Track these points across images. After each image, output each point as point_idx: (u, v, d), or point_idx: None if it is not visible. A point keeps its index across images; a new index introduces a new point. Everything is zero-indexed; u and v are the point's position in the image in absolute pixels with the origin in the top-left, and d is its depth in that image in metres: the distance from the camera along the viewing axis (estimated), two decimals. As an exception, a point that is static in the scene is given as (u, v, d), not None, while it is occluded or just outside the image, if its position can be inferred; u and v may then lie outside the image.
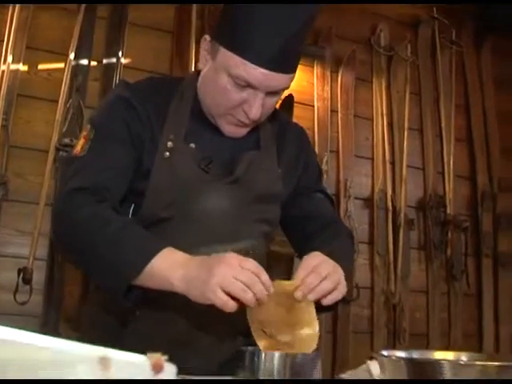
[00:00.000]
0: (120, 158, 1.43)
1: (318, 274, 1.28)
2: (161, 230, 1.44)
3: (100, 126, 1.45)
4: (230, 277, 1.19)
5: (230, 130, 1.49)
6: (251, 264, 1.22)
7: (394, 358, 1.00)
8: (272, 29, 1.34)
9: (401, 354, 1.06)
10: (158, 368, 0.33)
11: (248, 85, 1.38)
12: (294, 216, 1.64)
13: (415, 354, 1.07)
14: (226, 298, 1.19)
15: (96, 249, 1.31)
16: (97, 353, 0.31)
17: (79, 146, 1.44)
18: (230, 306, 1.19)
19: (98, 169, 1.40)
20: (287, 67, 1.40)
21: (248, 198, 1.50)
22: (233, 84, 1.39)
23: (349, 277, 1.45)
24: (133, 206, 1.46)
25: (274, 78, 1.37)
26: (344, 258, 1.46)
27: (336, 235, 1.59)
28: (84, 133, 1.46)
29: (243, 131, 1.50)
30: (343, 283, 1.34)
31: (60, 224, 1.38)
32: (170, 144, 1.45)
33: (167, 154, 1.44)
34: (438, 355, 1.11)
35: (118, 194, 1.42)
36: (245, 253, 1.45)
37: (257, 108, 1.41)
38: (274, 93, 1.43)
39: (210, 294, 1.20)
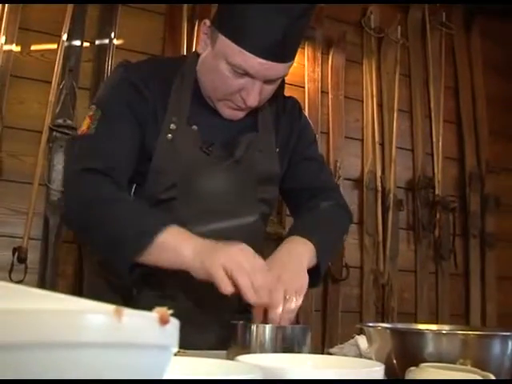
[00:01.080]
0: (127, 138, 1.46)
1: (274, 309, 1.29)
2: (162, 210, 1.47)
3: (106, 107, 1.47)
4: (236, 260, 1.23)
5: (228, 113, 1.52)
6: (261, 262, 1.26)
7: (379, 328, 1.04)
8: (271, 19, 1.36)
9: (386, 325, 1.10)
10: (164, 320, 0.37)
11: (246, 73, 1.40)
12: (291, 188, 1.68)
13: (399, 326, 1.12)
14: (226, 278, 1.23)
15: (106, 225, 1.35)
16: (109, 306, 0.35)
17: (85, 125, 1.46)
18: (228, 287, 1.23)
19: (107, 149, 1.43)
20: (285, 56, 1.41)
21: (247, 178, 1.54)
22: (231, 71, 1.41)
23: (327, 248, 1.51)
24: (134, 186, 1.49)
25: (272, 68, 1.39)
26: (318, 231, 1.51)
27: (321, 210, 1.61)
28: (90, 113, 1.48)
29: (241, 114, 1.53)
30: (301, 293, 1.35)
31: (72, 203, 1.43)
32: (172, 126, 1.48)
33: (170, 136, 1.47)
34: (422, 327, 1.15)
35: (126, 174, 1.46)
36: (246, 228, 1.51)
37: (254, 95, 1.43)
38: (272, 80, 1.45)
39: (213, 270, 1.23)
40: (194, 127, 1.50)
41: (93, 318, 0.34)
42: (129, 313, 0.35)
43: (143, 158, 1.47)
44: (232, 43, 1.38)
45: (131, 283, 1.42)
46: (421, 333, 0.99)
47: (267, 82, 1.44)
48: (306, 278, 1.38)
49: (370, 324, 1.06)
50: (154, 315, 0.38)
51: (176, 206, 1.47)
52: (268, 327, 1.23)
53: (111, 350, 0.35)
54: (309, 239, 1.45)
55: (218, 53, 1.42)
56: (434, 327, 1.14)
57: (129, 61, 1.61)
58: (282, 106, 1.68)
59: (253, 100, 1.44)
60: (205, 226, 1.46)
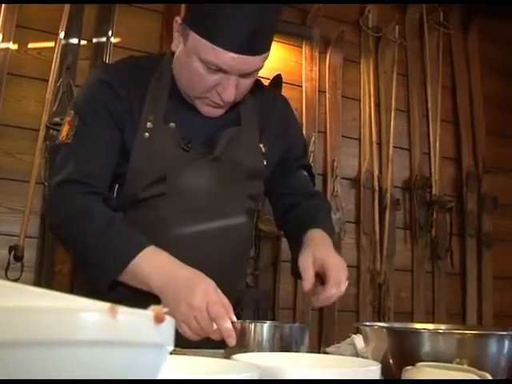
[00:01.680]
0: (105, 143, 1.45)
1: (337, 286, 1.39)
2: (144, 209, 1.47)
3: (83, 112, 1.47)
4: (191, 318, 1.23)
5: (207, 110, 1.50)
6: (217, 309, 1.23)
7: (376, 327, 1.04)
8: (240, 12, 1.34)
9: (383, 324, 1.10)
10: (159, 319, 0.37)
11: (219, 69, 1.38)
12: (278, 192, 1.70)
13: (397, 325, 1.12)
14: (186, 330, 1.24)
15: (81, 245, 1.38)
16: (104, 304, 0.35)
17: (64, 132, 1.46)
18: (190, 336, 1.25)
19: (85, 157, 1.43)
20: (258, 49, 1.39)
21: (230, 174, 1.52)
22: (205, 68, 1.39)
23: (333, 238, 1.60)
24: (117, 186, 1.49)
25: (245, 62, 1.38)
26: (329, 224, 1.64)
27: (317, 207, 1.68)
28: (68, 118, 1.48)
29: (220, 111, 1.51)
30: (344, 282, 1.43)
31: (52, 217, 1.46)
32: (149, 124, 1.46)
33: (147, 134, 1.46)
34: (418, 326, 1.15)
35: (106, 180, 1.46)
36: (231, 229, 1.51)
37: (230, 90, 1.41)
38: (248, 74, 1.43)
39: (176, 321, 1.26)
40: (172, 124, 1.48)
41: (87, 316, 0.33)
42: (123, 311, 0.35)
43: (123, 159, 1.47)
44: (203, 40, 1.36)
45: (114, 298, 1.44)
46: (417, 332, 0.99)
47: (243, 75, 1.42)
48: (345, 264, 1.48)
49: (367, 323, 1.06)
50: (149, 313, 0.37)
51: (157, 204, 1.46)
52: (266, 326, 1.23)
53: (106, 348, 0.35)
54: (326, 232, 1.53)
55: (190, 50, 1.40)
56: (430, 326, 1.14)
57: (105, 62, 1.61)
58: (265, 100, 1.66)
59: (229, 95, 1.42)
60: (188, 226, 1.46)
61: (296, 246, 1.53)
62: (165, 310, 0.38)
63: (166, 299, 1.28)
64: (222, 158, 1.51)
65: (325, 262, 1.39)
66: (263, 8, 1.36)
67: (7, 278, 2.38)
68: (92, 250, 1.36)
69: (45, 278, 2.46)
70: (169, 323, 0.39)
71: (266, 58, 1.46)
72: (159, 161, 1.46)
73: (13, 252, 2.40)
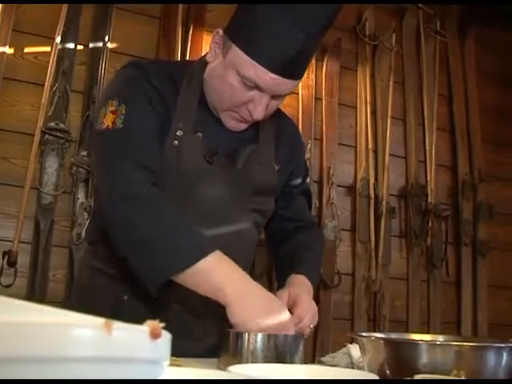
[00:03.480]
0: (156, 133, 1.44)
1: (298, 322, 1.39)
2: None
3: (129, 101, 1.43)
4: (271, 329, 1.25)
5: (231, 124, 1.51)
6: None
7: (373, 338, 1.03)
8: (287, 34, 1.34)
9: (380, 335, 1.09)
10: (155, 334, 0.36)
11: (255, 86, 1.39)
12: (280, 214, 1.71)
13: (393, 336, 1.11)
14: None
15: (147, 236, 1.33)
16: (99, 318, 0.34)
17: (109, 120, 1.41)
18: None
19: (144, 144, 1.41)
20: (297, 74, 1.42)
21: (245, 188, 1.54)
22: (241, 83, 1.40)
23: (317, 281, 1.68)
24: None
25: (282, 83, 1.39)
26: (314, 270, 1.64)
27: (309, 245, 1.69)
28: (111, 108, 1.43)
29: (244, 126, 1.52)
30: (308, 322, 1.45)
31: (119, 202, 1.37)
32: (179, 132, 1.46)
33: (176, 142, 1.46)
34: (416, 337, 1.14)
35: (158, 169, 1.43)
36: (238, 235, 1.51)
37: (261, 109, 1.43)
38: (279, 96, 1.45)
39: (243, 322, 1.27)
40: (199, 135, 1.49)
41: (82, 332, 0.32)
42: (118, 326, 0.34)
43: None
44: (245, 55, 1.36)
45: (111, 304, 1.43)
46: (415, 343, 0.98)
47: (274, 96, 1.43)
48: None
49: (364, 334, 1.05)
50: (144, 329, 0.36)
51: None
52: (260, 335, 1.22)
53: (101, 365, 0.34)
54: (308, 278, 1.54)
55: (230, 63, 1.40)
56: (427, 337, 1.13)
57: (135, 60, 1.60)
58: (283, 123, 1.69)
59: (259, 113, 1.43)
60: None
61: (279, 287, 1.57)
62: (161, 324, 0.37)
63: (241, 309, 1.28)
64: (241, 172, 1.53)
65: (297, 301, 1.42)
66: (312, 34, 1.36)
67: (0, 284, 2.36)
68: (159, 242, 1.31)
69: (38, 284, 2.44)
70: (165, 338, 0.38)
71: (298, 83, 1.48)
72: (183, 170, 1.46)
73: (6, 257, 2.38)
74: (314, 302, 1.50)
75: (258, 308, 1.28)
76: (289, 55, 1.35)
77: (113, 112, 1.42)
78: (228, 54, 1.41)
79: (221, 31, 1.45)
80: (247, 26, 1.38)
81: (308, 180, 1.82)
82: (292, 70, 1.38)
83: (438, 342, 1.02)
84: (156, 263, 1.31)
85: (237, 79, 1.40)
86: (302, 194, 1.75)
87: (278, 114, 1.66)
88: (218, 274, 1.29)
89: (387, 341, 1.01)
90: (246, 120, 1.49)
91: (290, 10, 1.34)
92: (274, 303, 1.32)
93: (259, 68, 1.35)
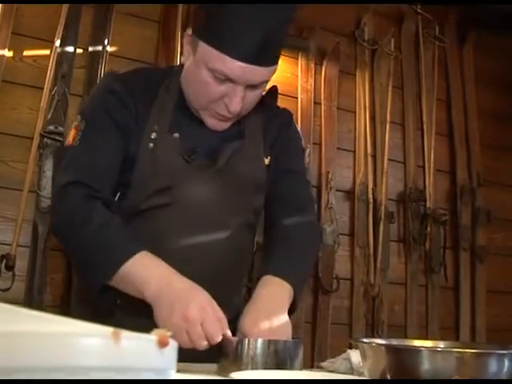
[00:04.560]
0: (110, 149, 1.46)
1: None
2: (145, 219, 1.46)
3: (90, 118, 1.48)
4: (183, 331, 1.22)
5: (212, 123, 1.50)
6: (212, 326, 1.23)
7: (374, 344, 1.03)
8: (250, 22, 1.34)
9: (381, 341, 1.09)
10: (163, 343, 0.36)
11: (227, 78, 1.38)
12: (267, 198, 1.63)
13: (394, 342, 1.11)
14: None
15: (77, 246, 1.39)
16: (107, 328, 0.34)
17: (71, 136, 1.47)
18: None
19: (90, 161, 1.44)
20: (266, 60, 1.40)
21: (231, 187, 1.51)
22: (212, 78, 1.40)
23: (302, 284, 1.54)
24: (118, 194, 1.49)
25: (253, 72, 1.38)
26: (294, 269, 1.49)
27: (293, 241, 1.56)
28: (75, 123, 1.49)
29: (226, 125, 1.51)
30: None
31: (54, 218, 1.48)
32: (153, 135, 1.47)
33: (151, 144, 1.46)
34: (417, 343, 1.14)
35: (110, 185, 1.46)
36: (227, 243, 1.49)
37: (237, 101, 1.41)
38: (255, 86, 1.43)
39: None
40: (176, 135, 1.48)
41: (90, 342, 0.32)
42: (127, 335, 0.34)
43: (127, 168, 1.47)
44: (212, 48, 1.37)
45: (106, 306, 1.43)
46: (416, 350, 0.98)
47: (250, 87, 1.42)
48: (289, 326, 1.40)
49: (364, 340, 1.05)
50: (152, 338, 0.36)
51: (157, 215, 1.46)
52: (260, 341, 1.22)
53: (109, 374, 0.33)
54: (286, 280, 1.43)
55: (199, 60, 1.41)
56: (429, 344, 1.13)
57: (115, 71, 1.61)
58: (271, 115, 1.66)
59: (236, 106, 1.42)
60: (187, 238, 1.46)
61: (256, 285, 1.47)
62: (169, 333, 0.37)
63: (159, 308, 1.27)
64: (224, 171, 1.51)
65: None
66: (273, 19, 1.36)
67: (-2, 287, 2.36)
68: (86, 251, 1.36)
69: (36, 288, 2.43)
70: (172, 347, 0.38)
71: (274, 72, 1.47)
72: (162, 171, 1.46)
73: (4, 261, 2.37)
74: (278, 321, 1.38)
75: (175, 304, 1.25)
76: (253, 42, 1.35)
77: (75, 127, 1.48)
78: (197, 51, 1.42)
79: (190, 31, 1.46)
80: (210, 21, 1.38)
81: (299, 159, 1.71)
82: (259, 56, 1.37)
83: (439, 349, 1.01)
84: (87, 274, 1.39)
85: (208, 74, 1.40)
86: (286, 172, 1.64)
87: (267, 107, 1.65)
88: (137, 277, 1.30)
89: (388, 347, 1.01)
90: (225, 117, 1.47)
91: (249, 3, 1.35)
92: (192, 293, 1.28)
93: (226, 58, 1.36)
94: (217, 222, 1.50)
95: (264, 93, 2.61)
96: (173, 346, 0.38)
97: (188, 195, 1.47)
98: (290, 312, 1.44)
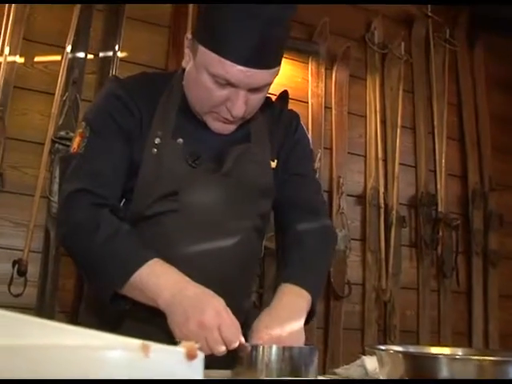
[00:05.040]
0: (116, 155, 1.45)
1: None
2: (150, 225, 1.45)
3: (94, 124, 1.46)
4: (201, 337, 1.20)
5: (216, 126, 1.48)
6: (230, 331, 1.22)
7: (392, 351, 1.02)
8: (245, 24, 1.32)
9: (398, 348, 1.08)
10: (191, 355, 0.35)
11: (228, 83, 1.36)
12: (276, 203, 1.61)
13: (412, 349, 1.09)
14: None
15: (86, 255, 1.37)
16: (135, 340, 0.33)
17: (76, 143, 1.45)
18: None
19: (97, 168, 1.42)
20: (267, 63, 1.38)
21: (238, 191, 1.49)
22: (213, 82, 1.38)
23: (319, 292, 1.51)
24: (123, 201, 1.48)
25: (254, 75, 1.36)
26: (311, 277, 1.48)
27: (308, 247, 1.54)
28: (79, 130, 1.47)
29: (230, 128, 1.49)
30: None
31: (61, 226, 1.45)
32: (157, 140, 1.45)
33: (155, 150, 1.45)
34: (435, 350, 1.13)
35: (117, 192, 1.45)
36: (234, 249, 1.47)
37: (239, 106, 1.40)
38: (258, 89, 1.41)
39: (181, 337, 1.24)
40: (180, 140, 1.47)
41: (119, 355, 0.31)
42: (156, 348, 0.33)
43: (131, 174, 1.46)
44: (211, 53, 1.35)
45: (115, 313, 1.42)
46: (435, 357, 0.97)
47: (252, 90, 1.40)
48: (303, 336, 1.37)
49: (382, 347, 1.04)
50: (181, 350, 0.35)
51: (163, 221, 1.44)
52: (275, 347, 1.21)
53: (137, 387, 0.33)
54: (304, 288, 1.42)
55: (199, 64, 1.39)
56: (446, 351, 1.12)
57: (118, 76, 1.60)
58: (277, 117, 1.64)
59: (238, 110, 1.40)
60: (194, 243, 1.44)
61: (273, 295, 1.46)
62: (197, 345, 0.36)
63: (174, 315, 1.26)
64: (230, 175, 1.48)
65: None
66: (271, 21, 1.33)
67: (10, 293, 2.36)
68: (96, 260, 1.34)
69: (48, 293, 2.43)
70: (200, 359, 0.37)
71: (277, 74, 1.44)
72: (166, 177, 1.44)
73: (16, 266, 2.38)
74: (292, 330, 1.35)
75: (190, 310, 1.24)
76: (252, 45, 1.32)
77: (80, 134, 1.46)
78: (197, 55, 1.40)
79: (189, 35, 1.45)
80: (209, 25, 1.37)
81: (308, 162, 1.71)
82: (259, 59, 1.35)
83: (457, 357, 1.00)
84: (97, 283, 1.38)
85: (209, 79, 1.38)
86: (295, 175, 1.62)
87: (273, 109, 1.63)
88: (149, 285, 1.29)
89: (406, 354, 1.00)
90: (229, 120, 1.45)
91: (248, 2, 1.32)
92: (206, 299, 1.26)
93: (226, 63, 1.34)
94: (224, 227, 1.48)
95: (275, 98, 2.61)
96: (200, 357, 0.37)
97: (194, 200, 1.45)
98: (308, 320, 1.43)
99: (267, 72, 1.39)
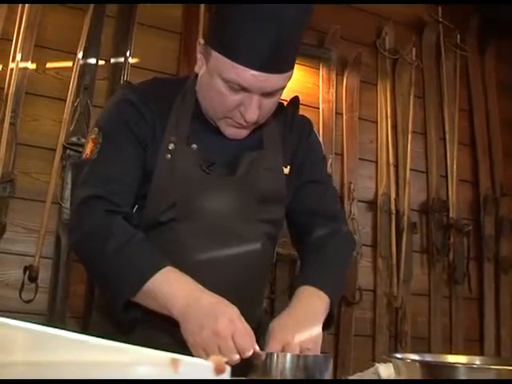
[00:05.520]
0: (129, 161, 1.44)
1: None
2: (163, 232, 1.44)
3: (107, 130, 1.45)
4: (215, 345, 1.20)
5: (230, 132, 1.47)
6: (245, 340, 1.21)
7: (408, 360, 1.01)
8: (259, 29, 1.31)
9: (415, 357, 1.07)
10: (220, 370, 0.35)
11: (241, 88, 1.36)
12: (292, 210, 1.60)
13: (428, 358, 1.08)
14: (203, 356, 1.19)
15: (99, 262, 1.35)
16: (164, 354, 0.33)
17: (88, 149, 1.45)
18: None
19: (110, 175, 1.41)
20: (280, 67, 1.36)
21: (250, 198, 1.48)
22: (227, 87, 1.37)
23: (339, 295, 1.51)
24: (136, 207, 1.47)
25: (267, 80, 1.35)
26: (331, 280, 1.48)
27: (328, 251, 1.54)
28: (92, 136, 1.46)
29: (244, 133, 1.48)
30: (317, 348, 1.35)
31: (73, 233, 1.43)
32: (171, 146, 1.44)
33: (169, 156, 1.44)
34: (452, 359, 1.12)
35: (130, 198, 1.44)
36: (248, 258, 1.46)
37: (253, 110, 1.39)
38: (271, 93, 1.40)
39: (193, 350, 1.23)
40: (194, 146, 1.46)
41: (149, 370, 0.31)
42: (185, 363, 0.32)
43: (145, 179, 1.45)
44: (224, 58, 1.34)
45: (127, 320, 1.41)
46: (452, 366, 0.96)
47: (265, 95, 1.39)
48: (320, 338, 1.36)
49: (398, 355, 1.03)
50: (209, 364, 0.35)
51: (176, 227, 1.44)
52: (289, 355, 1.20)
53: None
54: (323, 291, 1.42)
55: (212, 70, 1.38)
56: (463, 359, 1.11)
57: (130, 82, 1.60)
58: (289, 123, 1.63)
59: (252, 115, 1.39)
60: (207, 250, 1.43)
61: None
62: (225, 359, 0.36)
63: (188, 324, 1.25)
64: (243, 181, 1.48)
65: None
66: (285, 25, 1.32)
67: (21, 299, 2.36)
68: (109, 268, 1.33)
69: (59, 299, 2.43)
70: (228, 373, 0.36)
71: (290, 78, 1.42)
72: (180, 183, 1.44)
73: (27, 272, 2.38)
74: (309, 332, 1.34)
75: (204, 318, 1.23)
76: (264, 49, 1.31)
77: (93, 140, 1.45)
78: (209, 60, 1.39)
79: (202, 40, 1.44)
80: (222, 30, 1.36)
81: (322, 168, 1.70)
82: (273, 63, 1.34)
83: (474, 366, 0.99)
84: (110, 290, 1.36)
85: (222, 84, 1.37)
86: (311, 182, 1.61)
87: (285, 115, 1.63)
88: (163, 293, 1.28)
89: (423, 363, 0.99)
90: (242, 125, 1.44)
91: (259, 6, 1.31)
92: (220, 307, 1.25)
93: (239, 68, 1.33)
94: (236, 233, 1.47)
95: (286, 103, 2.60)
96: (228, 371, 0.37)
97: (207, 206, 1.45)
98: (328, 325, 1.42)
99: (280, 76, 1.38)
